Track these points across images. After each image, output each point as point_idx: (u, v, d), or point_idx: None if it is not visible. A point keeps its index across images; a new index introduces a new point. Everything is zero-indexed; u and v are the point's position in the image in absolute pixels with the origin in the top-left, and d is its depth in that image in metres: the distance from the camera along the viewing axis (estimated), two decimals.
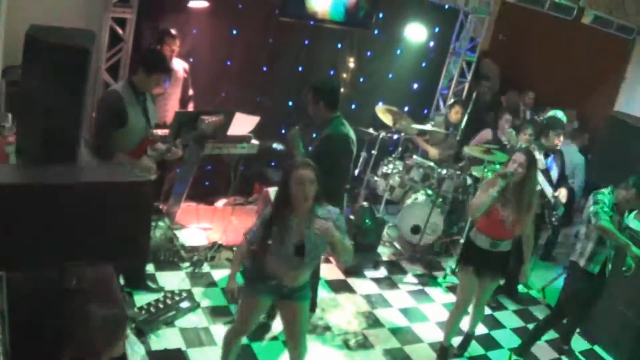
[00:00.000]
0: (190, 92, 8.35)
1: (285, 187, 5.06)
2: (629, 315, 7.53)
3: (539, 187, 7.86)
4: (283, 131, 9.00)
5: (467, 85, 11.39)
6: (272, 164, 9.57)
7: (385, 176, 9.92)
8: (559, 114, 9.24)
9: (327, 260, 8.56)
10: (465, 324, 7.15)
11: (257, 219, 5.30)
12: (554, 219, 8.15)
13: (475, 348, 7.44)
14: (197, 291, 7.24)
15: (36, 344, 3.55)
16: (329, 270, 8.35)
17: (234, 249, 8.02)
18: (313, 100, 6.59)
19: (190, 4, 8.23)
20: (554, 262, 10.04)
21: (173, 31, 7.92)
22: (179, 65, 8.09)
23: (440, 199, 9.40)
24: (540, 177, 7.78)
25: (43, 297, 3.70)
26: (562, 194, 8.07)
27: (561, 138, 8.04)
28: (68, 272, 3.70)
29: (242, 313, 5.55)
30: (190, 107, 8.30)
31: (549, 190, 7.87)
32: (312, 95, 6.59)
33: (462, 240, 9.13)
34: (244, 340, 6.17)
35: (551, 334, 7.76)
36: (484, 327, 7.94)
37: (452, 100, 10.51)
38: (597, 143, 9.28)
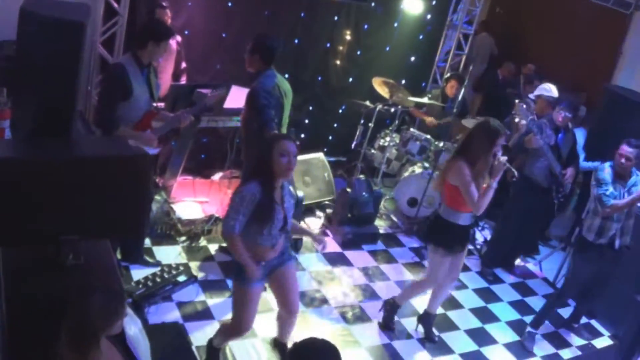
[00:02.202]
0: (183, 65, 8.31)
1: (267, 159, 5.03)
2: (627, 290, 7.54)
3: (546, 163, 7.85)
4: None
5: (464, 58, 11.37)
6: None
7: (382, 149, 9.92)
8: (550, 86, 9.16)
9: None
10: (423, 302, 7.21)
11: (235, 205, 5.08)
12: (560, 195, 8.12)
13: (472, 321, 7.47)
14: (194, 265, 7.26)
15: (33, 321, 3.56)
16: None
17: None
18: (251, 50, 6.77)
19: None
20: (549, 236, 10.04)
21: (164, 3, 7.87)
22: (172, 39, 8.03)
23: (437, 172, 9.39)
24: (549, 153, 7.76)
25: (40, 273, 3.70)
26: (569, 173, 8.01)
27: (562, 114, 7.94)
28: (65, 247, 3.69)
29: (238, 308, 5.44)
30: (183, 80, 8.26)
31: (557, 167, 7.85)
32: (252, 45, 6.77)
33: None
34: None
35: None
36: (481, 300, 7.98)
37: (449, 74, 10.47)
38: (594, 117, 9.23)
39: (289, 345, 6.02)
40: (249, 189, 5.04)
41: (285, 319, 5.80)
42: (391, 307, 7.02)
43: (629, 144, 6.84)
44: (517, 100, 8.31)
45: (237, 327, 5.48)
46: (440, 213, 6.51)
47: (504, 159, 6.07)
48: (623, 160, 6.87)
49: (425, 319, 7.04)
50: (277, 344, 6.06)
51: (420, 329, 7.09)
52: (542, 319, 7.44)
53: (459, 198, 6.19)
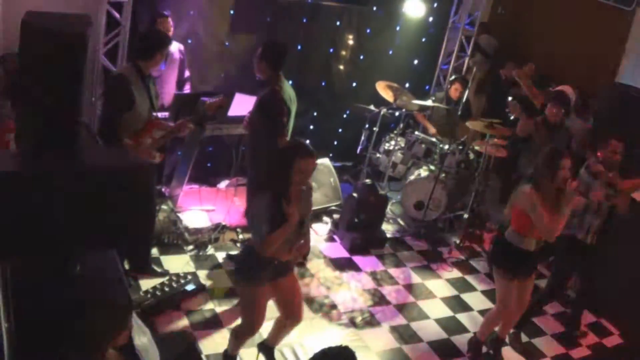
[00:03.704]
0: (187, 73, 8.31)
1: (285, 170, 5.02)
2: (635, 288, 7.52)
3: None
4: None
5: (466, 60, 11.36)
6: None
7: (388, 153, 9.92)
8: (567, 89, 9.18)
9: (331, 239, 8.57)
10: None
11: (260, 212, 5.09)
12: None
13: (478, 321, 7.43)
14: (202, 273, 7.25)
15: (40, 333, 3.56)
16: (334, 249, 8.36)
17: (238, 229, 8.02)
18: (260, 56, 6.80)
19: None
20: None
21: (165, 12, 7.88)
22: (175, 47, 8.03)
23: (443, 175, 9.38)
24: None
25: (46, 284, 3.70)
26: None
27: (554, 110, 7.96)
28: (71, 259, 3.69)
29: (247, 309, 5.49)
30: (187, 89, 8.27)
31: None
32: (260, 51, 6.81)
33: (465, 216, 9.13)
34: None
35: (557, 307, 7.81)
36: (488, 301, 7.95)
37: (452, 77, 10.47)
38: (597, 115, 9.20)
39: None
40: (263, 202, 5.06)
41: (287, 326, 5.76)
42: (476, 346, 6.91)
43: (617, 139, 6.88)
44: (509, 98, 8.33)
45: (249, 327, 5.54)
46: (505, 236, 6.42)
47: (575, 184, 6.01)
48: (614, 152, 6.92)
49: (495, 342, 6.96)
50: (266, 348, 6.01)
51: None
52: (527, 318, 7.41)
53: (526, 223, 6.14)
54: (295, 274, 5.64)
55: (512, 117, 8.18)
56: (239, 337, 5.70)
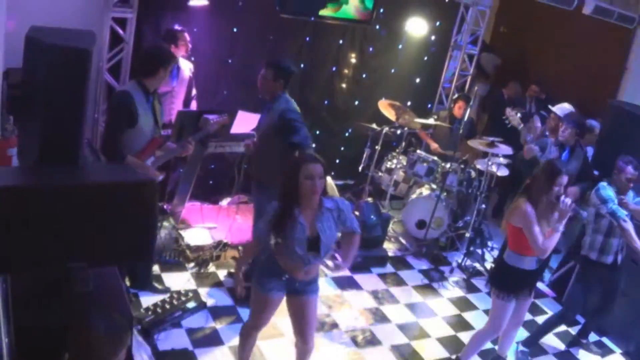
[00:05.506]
0: (194, 91, 8.34)
1: (292, 181, 5.02)
2: (639, 307, 7.49)
3: None
4: None
5: (469, 79, 11.37)
6: None
7: (389, 171, 9.91)
8: (566, 106, 9.18)
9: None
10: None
11: (265, 215, 5.19)
12: None
13: None
14: (203, 291, 7.23)
15: (40, 348, 3.54)
16: None
17: (240, 247, 8.00)
18: (274, 76, 6.72)
19: (191, 3, 8.15)
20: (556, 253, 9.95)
21: (177, 27, 7.91)
22: (186, 65, 8.08)
23: (445, 193, 9.37)
24: None
25: (47, 300, 3.69)
26: (570, 191, 7.90)
27: (566, 129, 7.93)
28: (72, 274, 3.68)
29: (255, 309, 5.53)
30: (193, 106, 8.28)
31: None
32: (274, 71, 6.73)
33: (467, 234, 9.12)
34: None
35: (560, 327, 7.79)
36: None
37: (455, 95, 10.48)
38: (600, 133, 9.19)
39: None
40: (273, 205, 5.14)
41: (300, 348, 5.73)
42: None
43: (633, 166, 6.89)
44: (507, 108, 8.33)
45: (252, 323, 5.63)
46: (504, 257, 6.35)
47: (569, 200, 5.98)
48: (630, 179, 6.93)
49: None
50: None
51: None
52: (537, 338, 7.39)
53: (523, 241, 6.07)
54: (315, 298, 5.53)
55: (509, 126, 8.18)
56: (243, 330, 5.74)
